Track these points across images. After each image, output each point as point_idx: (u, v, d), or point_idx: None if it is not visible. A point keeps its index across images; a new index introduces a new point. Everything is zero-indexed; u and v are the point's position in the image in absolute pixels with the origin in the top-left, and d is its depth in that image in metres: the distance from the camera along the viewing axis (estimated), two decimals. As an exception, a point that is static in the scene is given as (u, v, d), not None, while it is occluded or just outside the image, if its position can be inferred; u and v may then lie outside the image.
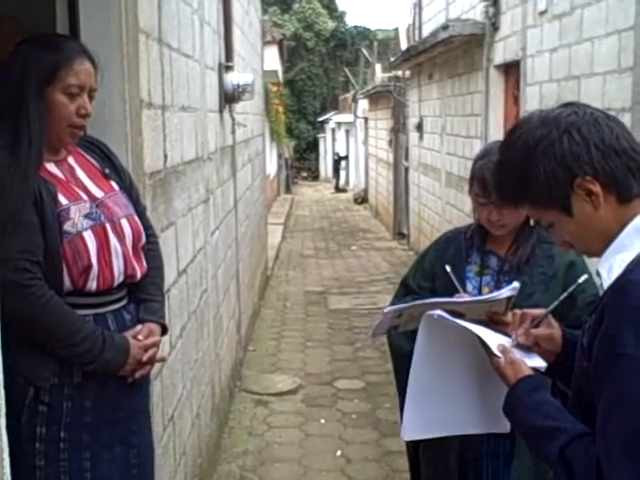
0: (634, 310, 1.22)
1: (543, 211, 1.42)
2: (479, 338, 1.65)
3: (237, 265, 5.93)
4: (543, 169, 1.35)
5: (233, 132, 5.70)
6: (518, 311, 1.73)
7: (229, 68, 5.19)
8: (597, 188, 1.34)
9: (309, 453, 4.49)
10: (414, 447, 2.47)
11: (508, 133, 1.45)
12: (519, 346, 1.64)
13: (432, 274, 2.39)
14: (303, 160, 37.79)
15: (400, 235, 13.71)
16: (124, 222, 2.01)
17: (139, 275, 2.06)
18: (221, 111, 4.97)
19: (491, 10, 7.15)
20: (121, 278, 1.99)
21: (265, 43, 11.64)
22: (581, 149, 1.33)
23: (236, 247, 5.89)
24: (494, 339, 1.64)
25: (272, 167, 19.31)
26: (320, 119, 34.49)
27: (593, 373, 1.28)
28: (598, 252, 1.41)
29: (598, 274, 1.39)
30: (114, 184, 2.08)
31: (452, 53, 8.73)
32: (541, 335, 1.65)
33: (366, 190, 20.85)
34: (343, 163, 28.14)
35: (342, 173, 28.18)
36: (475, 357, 1.75)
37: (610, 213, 1.35)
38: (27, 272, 1.77)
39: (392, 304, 2.38)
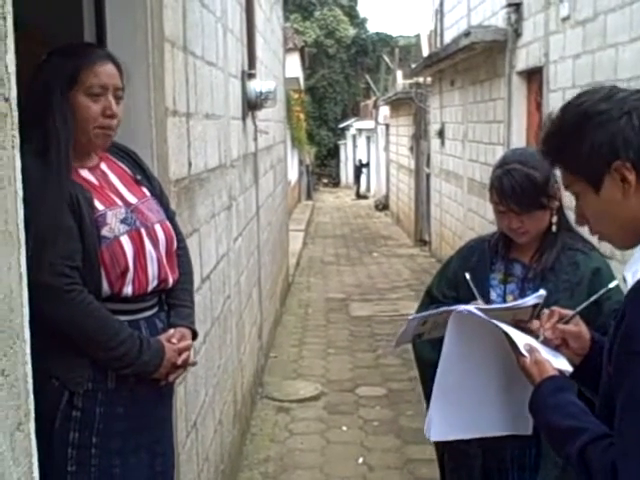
0: None
1: (574, 178, 1.41)
2: (507, 335, 1.65)
3: (259, 272, 5.95)
4: (591, 139, 1.35)
5: (255, 139, 5.73)
6: (547, 310, 1.72)
7: (252, 76, 5.23)
8: (632, 176, 1.32)
9: (331, 460, 4.48)
10: (441, 456, 2.45)
11: (575, 97, 1.47)
12: (546, 343, 1.63)
13: (456, 283, 2.38)
14: (324, 167, 37.85)
15: (421, 242, 13.68)
16: (157, 227, 2.04)
17: (171, 281, 2.09)
18: (244, 118, 5.00)
19: (513, 16, 7.12)
20: (155, 282, 2.01)
21: (287, 50, 11.70)
22: (634, 135, 1.32)
23: (258, 254, 5.91)
24: (521, 338, 1.64)
25: (293, 174, 19.36)
26: (341, 126, 34.54)
27: (612, 373, 1.28)
28: (611, 239, 1.41)
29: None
30: (145, 190, 2.11)
31: (474, 60, 8.71)
32: (569, 331, 1.64)
33: (387, 197, 20.83)
34: (364, 170, 28.11)
35: (363, 179, 28.17)
36: (501, 357, 1.75)
37: (637, 206, 1.34)
38: (67, 277, 1.80)
39: (417, 313, 2.37)
